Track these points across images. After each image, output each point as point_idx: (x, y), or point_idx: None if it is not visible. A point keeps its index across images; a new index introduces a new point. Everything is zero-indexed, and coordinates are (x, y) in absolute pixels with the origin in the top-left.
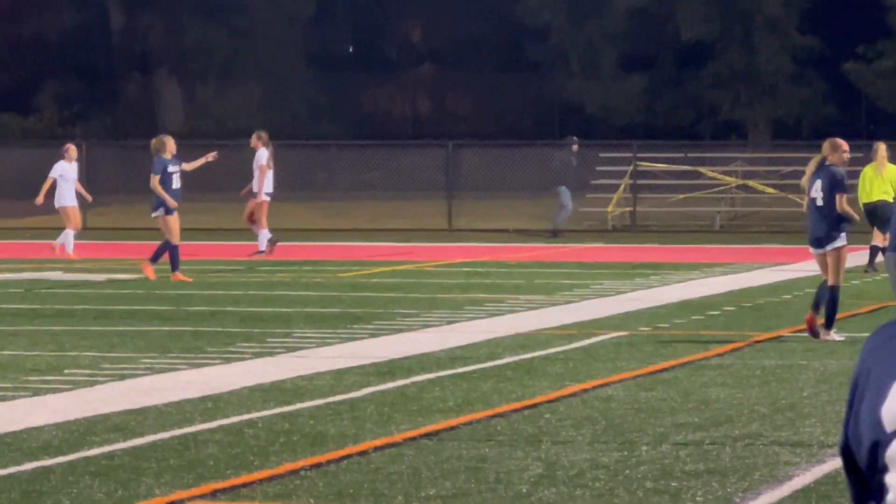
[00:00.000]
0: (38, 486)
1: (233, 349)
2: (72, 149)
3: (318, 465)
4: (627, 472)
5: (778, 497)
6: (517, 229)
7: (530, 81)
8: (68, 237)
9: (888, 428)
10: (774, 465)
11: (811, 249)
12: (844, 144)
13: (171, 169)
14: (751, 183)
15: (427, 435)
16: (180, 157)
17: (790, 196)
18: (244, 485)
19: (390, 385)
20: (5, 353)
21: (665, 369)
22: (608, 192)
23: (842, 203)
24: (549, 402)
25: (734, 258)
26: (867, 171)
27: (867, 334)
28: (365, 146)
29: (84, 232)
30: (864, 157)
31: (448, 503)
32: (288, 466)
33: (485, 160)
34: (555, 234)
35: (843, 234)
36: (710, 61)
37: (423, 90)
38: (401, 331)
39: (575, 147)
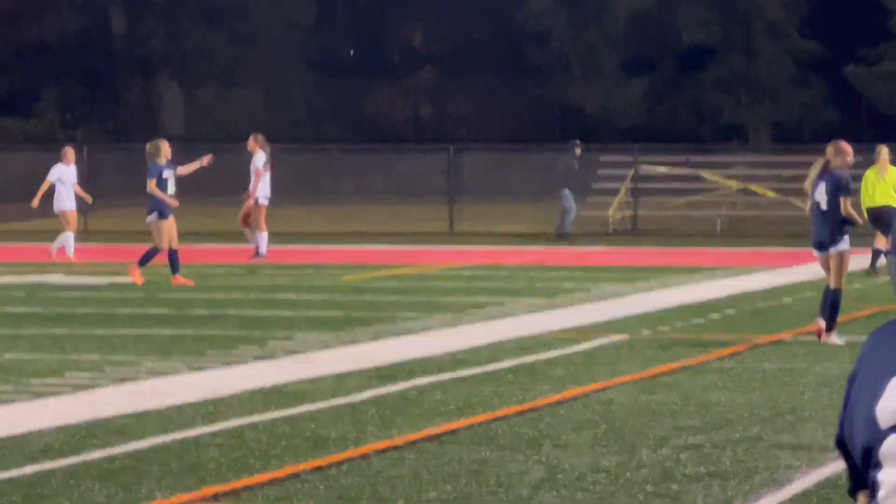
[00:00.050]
0: (39, 490)
1: (234, 352)
2: (69, 152)
3: (319, 469)
4: (628, 475)
5: (779, 500)
6: (518, 233)
7: (531, 85)
8: (68, 240)
9: (882, 426)
10: (775, 468)
11: (815, 253)
12: (848, 148)
13: (165, 174)
14: (752, 186)
15: (428, 438)
16: (175, 161)
17: (791, 200)
18: (245, 488)
19: (392, 388)
20: (7, 356)
21: (666, 372)
22: (609, 195)
23: (846, 206)
24: (550, 405)
25: (735, 262)
26: (869, 174)
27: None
28: (366, 150)
29: (85, 235)
30: (864, 160)
31: None
32: (289, 470)
33: (486, 164)
34: (564, 238)
35: (846, 238)
36: (711, 65)
37: (424, 94)
38: (402, 334)
39: (578, 151)
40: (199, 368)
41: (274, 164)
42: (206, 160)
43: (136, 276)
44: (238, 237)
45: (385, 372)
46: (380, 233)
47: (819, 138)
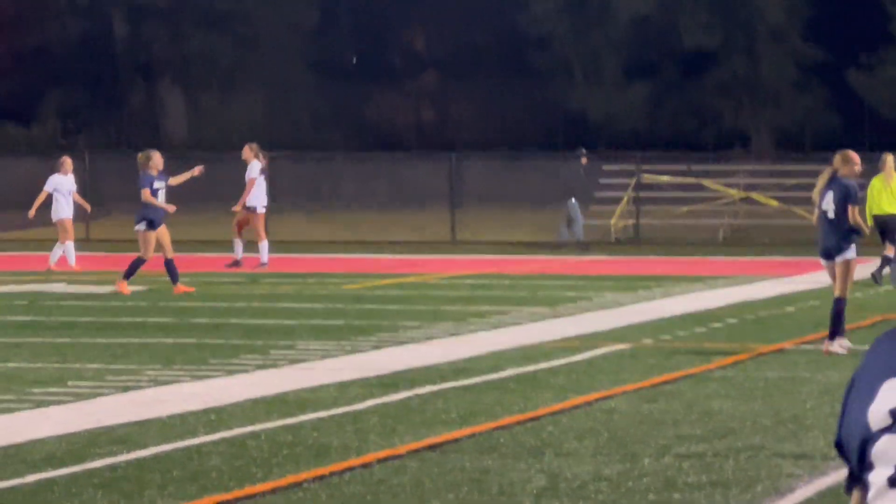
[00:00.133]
0: (41, 498)
1: (236, 361)
2: (67, 162)
3: (321, 478)
4: (630, 484)
5: None
6: (520, 241)
7: (534, 90)
8: (68, 249)
9: (874, 427)
10: (777, 477)
11: (822, 261)
12: (856, 157)
13: (156, 185)
14: (754, 195)
15: (430, 447)
16: (167, 172)
17: (793, 208)
18: (247, 497)
19: (394, 397)
20: (9, 364)
21: (668, 381)
22: (612, 204)
23: (854, 215)
24: (552, 414)
25: (737, 270)
26: (875, 182)
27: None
28: (369, 157)
29: (87, 243)
30: (868, 167)
31: None
32: (291, 478)
33: (488, 171)
34: (581, 246)
35: (852, 246)
36: (713, 70)
37: (426, 99)
38: (404, 343)
39: (584, 160)
40: (201, 377)
41: (271, 171)
42: (197, 171)
43: (124, 289)
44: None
45: (387, 380)
46: (382, 241)
47: (821, 144)
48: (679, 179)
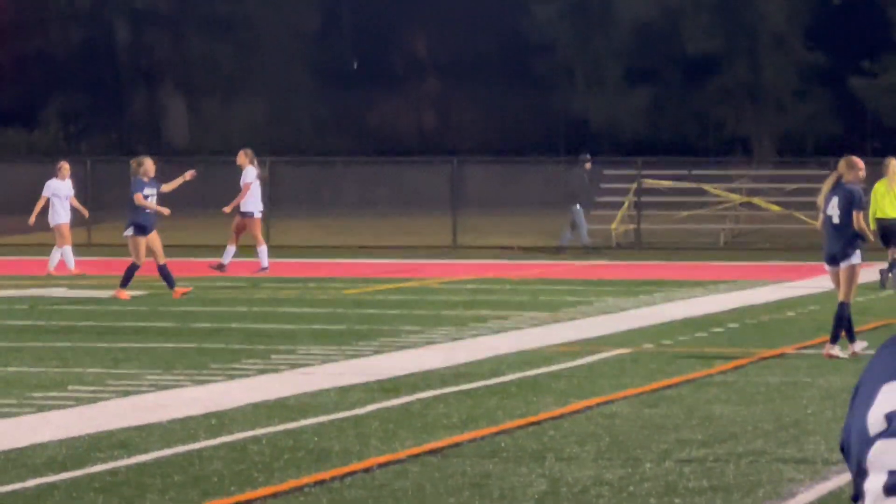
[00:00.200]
0: (42, 503)
1: (237, 366)
2: (64, 167)
3: (322, 482)
4: (631, 488)
5: None
6: (521, 246)
7: (535, 95)
8: (66, 254)
9: (871, 432)
10: (778, 482)
11: (826, 267)
12: (860, 163)
13: (146, 192)
14: (755, 200)
15: (431, 451)
16: (159, 179)
17: (794, 213)
18: (248, 501)
19: (395, 402)
20: (10, 369)
21: (669, 386)
22: (613, 209)
23: (859, 220)
24: (554, 418)
25: (738, 275)
26: (879, 186)
27: (871, 350)
28: (370, 162)
29: (88, 248)
30: (869, 173)
31: None
32: (292, 483)
33: (490, 176)
34: (588, 250)
35: (858, 252)
36: (716, 76)
37: (428, 105)
38: (405, 347)
39: (588, 165)
40: (202, 382)
41: (268, 177)
42: (189, 175)
43: (123, 296)
44: (241, 251)
45: (388, 385)
46: (383, 246)
47: (823, 150)
48: (680, 184)
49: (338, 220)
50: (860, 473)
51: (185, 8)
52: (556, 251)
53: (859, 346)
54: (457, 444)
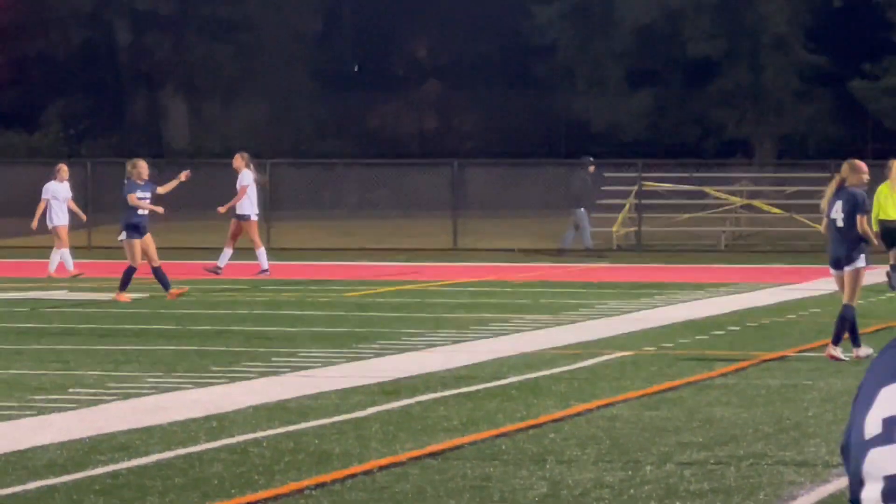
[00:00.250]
0: None
1: (238, 368)
2: (63, 169)
3: (323, 485)
4: (632, 491)
5: None
6: (522, 249)
7: (536, 98)
8: (65, 256)
9: (866, 435)
10: (779, 484)
11: (831, 271)
12: (864, 166)
13: (139, 194)
14: (756, 203)
15: (432, 454)
16: (153, 182)
17: (795, 216)
18: None
19: (395, 404)
20: (10, 371)
21: (670, 389)
22: (613, 211)
23: (862, 224)
24: (554, 421)
25: (739, 278)
26: (882, 189)
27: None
28: (371, 165)
29: (89, 251)
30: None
31: None
32: (293, 486)
33: (491, 179)
34: (592, 252)
35: (862, 255)
36: (716, 78)
37: (429, 107)
38: (406, 350)
39: (591, 168)
40: (203, 384)
41: (267, 181)
42: (183, 176)
43: (124, 299)
44: (241, 254)
45: (389, 388)
46: (384, 248)
47: (824, 153)
48: (681, 187)
49: (338, 223)
50: (858, 481)
51: (185, 10)
52: (557, 254)
53: (864, 351)
54: (457, 447)
